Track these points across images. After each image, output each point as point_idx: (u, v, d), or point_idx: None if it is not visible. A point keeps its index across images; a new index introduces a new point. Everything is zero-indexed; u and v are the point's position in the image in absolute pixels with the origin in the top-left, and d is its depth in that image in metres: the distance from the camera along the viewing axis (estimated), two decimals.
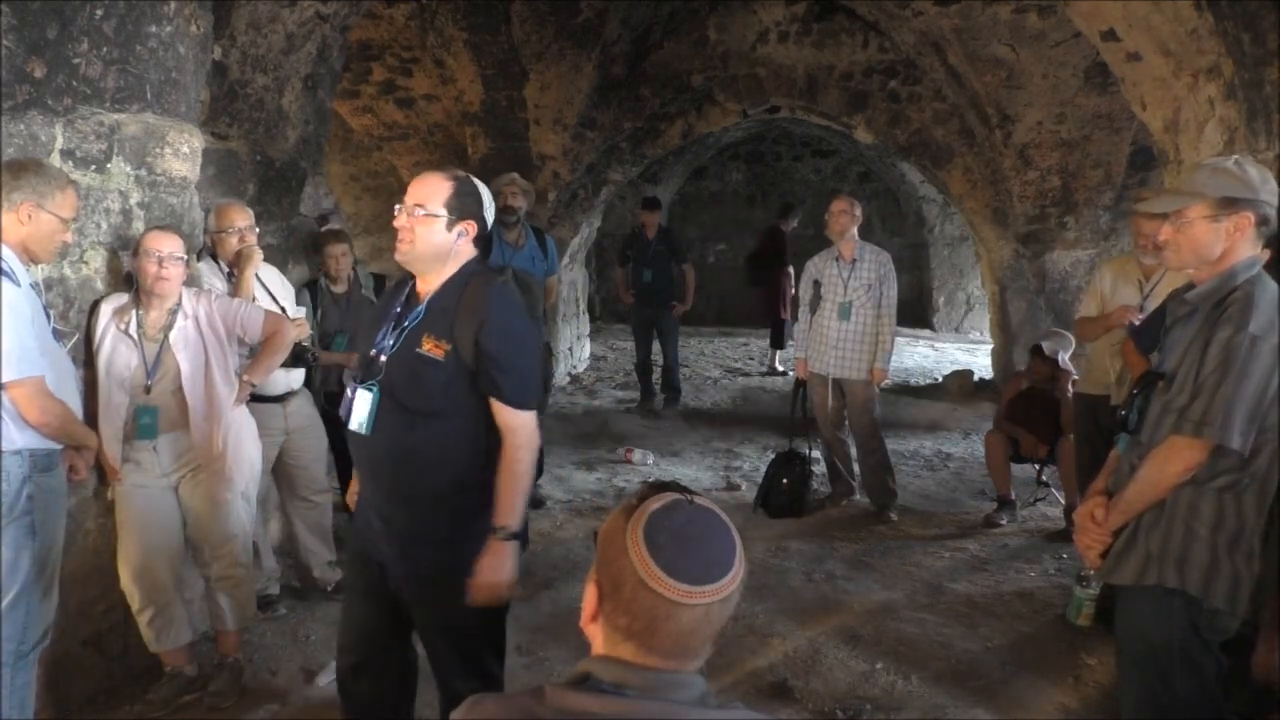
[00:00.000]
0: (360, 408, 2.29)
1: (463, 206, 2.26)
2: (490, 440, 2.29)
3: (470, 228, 2.28)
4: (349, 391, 2.35)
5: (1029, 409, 5.11)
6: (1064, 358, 5.11)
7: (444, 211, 2.24)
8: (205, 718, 3.18)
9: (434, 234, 2.24)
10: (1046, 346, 5.10)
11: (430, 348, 2.21)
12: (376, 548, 2.38)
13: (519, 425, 2.26)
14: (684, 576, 1.10)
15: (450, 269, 2.30)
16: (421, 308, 2.28)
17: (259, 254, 3.68)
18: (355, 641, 2.48)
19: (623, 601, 1.12)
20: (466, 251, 2.31)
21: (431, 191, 2.25)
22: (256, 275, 3.76)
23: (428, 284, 2.31)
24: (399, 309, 2.34)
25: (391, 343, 2.29)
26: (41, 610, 2.67)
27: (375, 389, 2.27)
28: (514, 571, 2.25)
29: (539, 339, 2.39)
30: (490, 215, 2.36)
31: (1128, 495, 2.23)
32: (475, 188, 2.31)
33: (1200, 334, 2.14)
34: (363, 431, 2.28)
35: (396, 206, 2.28)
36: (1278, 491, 2.17)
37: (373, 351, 2.32)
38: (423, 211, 2.23)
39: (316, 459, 4.06)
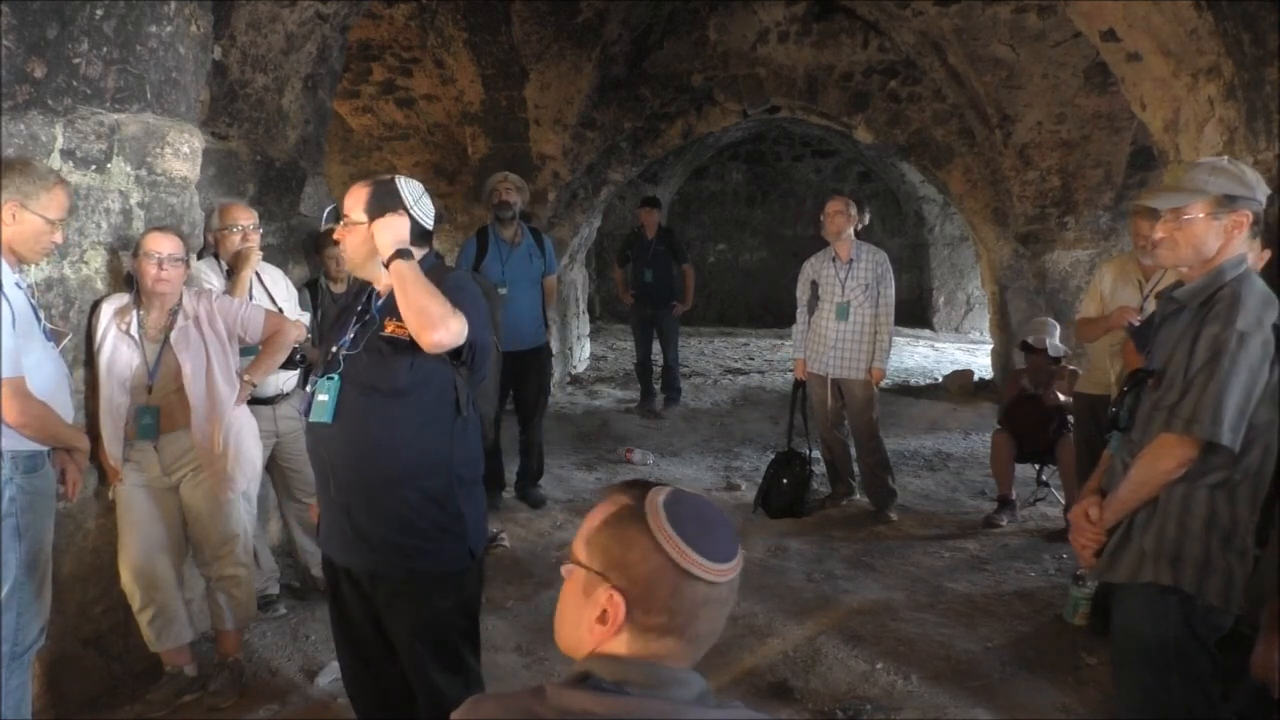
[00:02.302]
0: (321, 398, 2.30)
1: (380, 206, 2.29)
2: (458, 421, 2.31)
3: None
4: (308, 388, 2.37)
5: (1026, 414, 5.09)
6: (1055, 344, 5.09)
7: (364, 216, 2.29)
8: (205, 718, 3.18)
9: (360, 239, 2.30)
10: (1033, 339, 5.10)
11: (394, 329, 2.24)
12: (344, 555, 2.38)
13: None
14: (718, 556, 1.14)
15: None
16: (382, 300, 2.33)
17: (258, 255, 3.68)
18: (350, 649, 2.50)
19: (660, 600, 1.12)
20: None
21: (354, 200, 2.32)
22: (258, 276, 3.77)
23: (384, 287, 2.36)
24: (360, 307, 2.38)
25: (352, 335, 2.31)
26: (34, 611, 2.66)
27: (336, 378, 2.29)
28: (397, 239, 2.21)
29: (490, 338, 2.41)
30: (423, 211, 2.38)
31: (1120, 493, 2.23)
32: (394, 188, 2.34)
33: (1188, 331, 2.15)
34: (325, 420, 2.28)
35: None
36: (1274, 489, 2.18)
37: (334, 348, 2.34)
38: (348, 221, 2.32)
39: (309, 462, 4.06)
